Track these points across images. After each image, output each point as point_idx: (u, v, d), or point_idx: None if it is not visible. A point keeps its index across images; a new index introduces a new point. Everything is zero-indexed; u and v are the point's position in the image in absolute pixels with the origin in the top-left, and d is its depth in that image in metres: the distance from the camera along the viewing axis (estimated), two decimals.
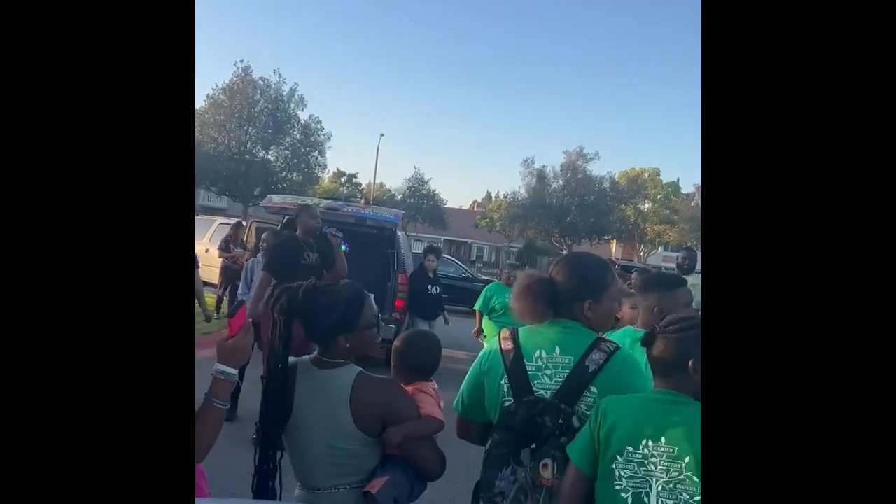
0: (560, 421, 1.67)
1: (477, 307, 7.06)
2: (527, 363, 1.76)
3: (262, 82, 28.70)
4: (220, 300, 10.34)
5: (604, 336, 1.87)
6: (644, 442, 1.54)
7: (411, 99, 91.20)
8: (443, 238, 47.31)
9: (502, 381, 1.77)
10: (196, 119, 28.15)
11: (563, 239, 37.27)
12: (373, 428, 1.77)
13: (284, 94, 28.96)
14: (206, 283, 12.33)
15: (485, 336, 6.96)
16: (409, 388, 1.96)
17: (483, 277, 18.43)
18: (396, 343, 2.11)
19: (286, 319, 1.81)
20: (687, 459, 1.48)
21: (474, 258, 48.05)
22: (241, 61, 31.96)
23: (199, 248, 12.92)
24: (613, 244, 44.31)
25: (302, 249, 5.04)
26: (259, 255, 5.85)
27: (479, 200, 69.35)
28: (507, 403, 1.75)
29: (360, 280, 6.92)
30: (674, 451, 1.50)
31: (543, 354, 1.76)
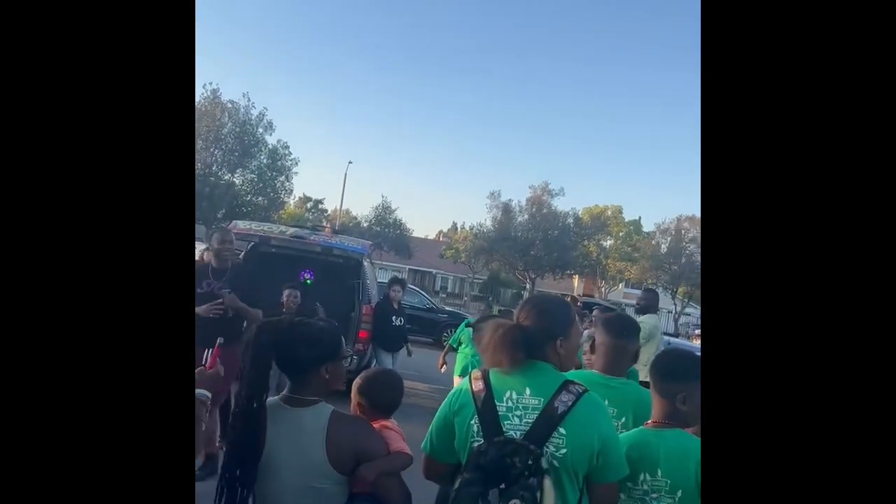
0: (529, 462, 1.68)
1: (451, 342, 7.11)
2: (497, 404, 1.78)
3: (230, 105, 28.62)
4: None
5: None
6: (642, 477, 1.76)
7: (380, 127, 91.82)
8: (407, 267, 47.25)
9: (472, 422, 1.79)
10: None
11: (526, 272, 37.62)
12: (346, 466, 1.78)
13: (253, 117, 28.91)
14: None
15: (444, 365, 7.14)
16: (375, 426, 1.98)
17: (447, 308, 18.46)
18: (360, 381, 2.12)
19: (265, 354, 1.82)
20: (679, 493, 1.71)
21: (438, 288, 48.12)
22: (210, 84, 31.79)
23: None
24: (576, 279, 44.87)
25: (200, 278, 4.60)
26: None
27: (445, 231, 69.70)
28: (476, 443, 1.76)
29: (325, 309, 6.75)
30: (667, 484, 1.72)
31: (514, 395, 1.78)
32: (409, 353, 7.94)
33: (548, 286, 39.79)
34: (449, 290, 50.86)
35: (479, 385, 1.83)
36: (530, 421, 1.75)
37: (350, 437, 1.81)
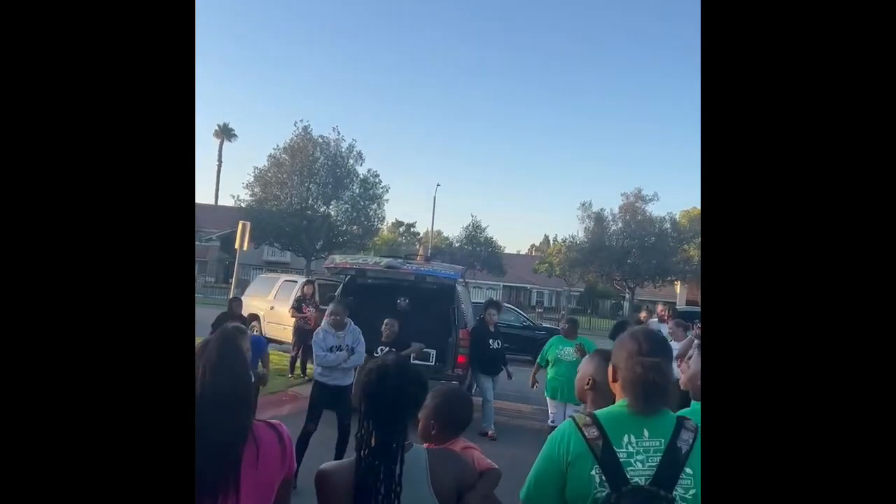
0: None
1: (539, 361, 7.11)
2: (617, 450, 1.69)
3: (321, 140, 29.74)
4: (293, 360, 10.50)
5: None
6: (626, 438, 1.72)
7: (466, 148, 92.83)
8: (502, 284, 47.08)
9: (593, 472, 1.69)
10: (259, 178, 29.56)
11: (624, 282, 36.56)
12: (451, 500, 1.79)
13: (343, 150, 29.90)
14: (271, 341, 12.66)
15: (535, 384, 7.19)
16: (457, 448, 2.02)
17: (545, 325, 18.15)
18: (434, 402, 2.11)
19: (400, 395, 1.80)
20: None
21: (534, 303, 47.60)
22: (301, 121, 33.28)
23: (264, 305, 13.29)
24: (678, 285, 43.15)
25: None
26: (324, 323, 5.85)
27: (537, 244, 69.08)
28: (600, 495, 1.67)
29: (422, 336, 6.98)
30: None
31: (632, 439, 1.70)
32: (510, 376, 7.90)
33: (648, 294, 38.49)
34: (545, 304, 50.20)
35: (592, 432, 1.73)
36: (654, 464, 1.67)
37: (449, 471, 1.81)
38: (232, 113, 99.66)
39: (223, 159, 57.78)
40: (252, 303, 13.26)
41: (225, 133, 56.93)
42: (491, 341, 7.70)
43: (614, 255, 34.94)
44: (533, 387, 7.26)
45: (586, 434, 1.73)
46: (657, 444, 1.70)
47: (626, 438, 1.71)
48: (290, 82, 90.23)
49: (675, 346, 4.05)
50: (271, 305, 13.23)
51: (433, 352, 7.66)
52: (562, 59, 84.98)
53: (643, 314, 10.05)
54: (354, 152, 30.06)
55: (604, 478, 1.67)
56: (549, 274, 41.37)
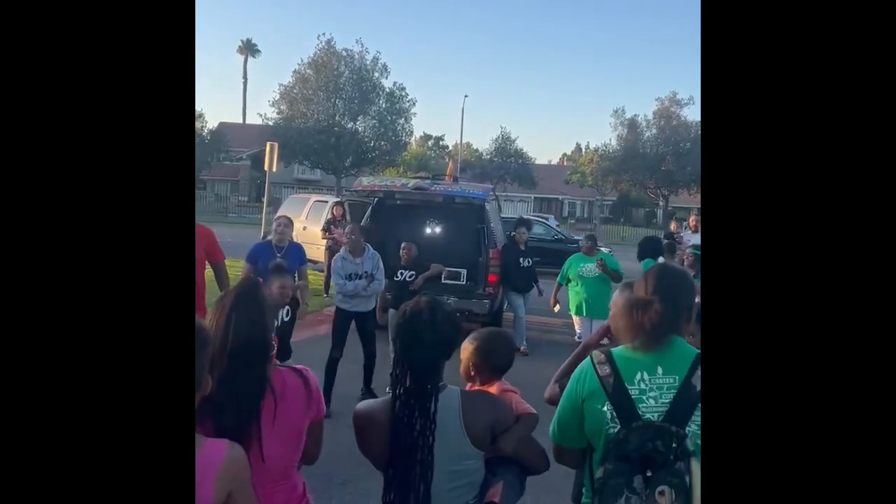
0: (674, 445, 1.63)
1: (559, 280, 7.19)
2: (629, 387, 1.72)
3: (345, 53, 29.09)
4: (327, 280, 10.72)
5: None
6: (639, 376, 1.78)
7: (493, 57, 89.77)
8: (533, 196, 46.69)
9: (605, 408, 1.73)
10: (285, 95, 29.23)
11: (658, 189, 35.98)
12: (484, 442, 1.82)
13: (368, 63, 29.25)
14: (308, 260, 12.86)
15: (557, 304, 7.20)
16: (493, 390, 2.03)
17: (576, 237, 18.04)
18: (475, 343, 2.10)
19: (440, 334, 1.81)
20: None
21: (566, 214, 47.26)
22: (324, 34, 32.40)
23: (297, 225, 13.41)
24: None
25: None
26: (342, 251, 5.85)
27: (569, 153, 67.80)
28: (612, 430, 1.71)
29: (452, 256, 7.07)
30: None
31: (645, 376, 1.73)
32: (540, 293, 7.98)
33: (683, 202, 37.87)
34: (577, 215, 49.81)
35: (605, 370, 1.76)
36: (667, 401, 1.69)
37: (483, 412, 1.83)
38: (254, 27, 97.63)
39: (248, 76, 57.10)
40: None
41: (249, 49, 55.98)
42: (521, 259, 7.73)
43: (648, 163, 34.25)
44: (554, 308, 7.28)
45: (599, 371, 1.77)
46: (671, 381, 1.71)
47: (638, 376, 1.73)
48: None
49: None
50: (304, 226, 13.37)
51: (464, 271, 7.72)
52: None
53: (673, 225, 9.90)
54: (379, 65, 29.42)
55: (615, 414, 1.71)
56: (581, 184, 40.81)
